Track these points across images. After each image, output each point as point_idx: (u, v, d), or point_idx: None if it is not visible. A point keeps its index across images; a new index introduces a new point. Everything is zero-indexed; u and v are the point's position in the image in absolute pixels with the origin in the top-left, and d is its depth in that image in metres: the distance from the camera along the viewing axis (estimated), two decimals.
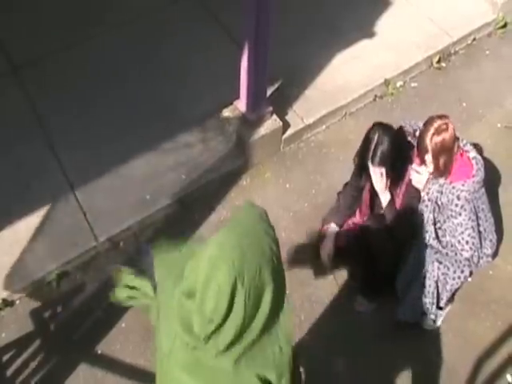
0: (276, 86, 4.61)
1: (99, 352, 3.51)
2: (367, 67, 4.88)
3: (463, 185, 3.13)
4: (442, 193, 3.20)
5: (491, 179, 4.31)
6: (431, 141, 3.06)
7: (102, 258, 3.85)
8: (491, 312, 3.72)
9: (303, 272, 3.85)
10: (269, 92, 4.33)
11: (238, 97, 4.23)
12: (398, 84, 4.93)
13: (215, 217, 4.08)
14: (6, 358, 3.45)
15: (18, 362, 3.43)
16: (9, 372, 3.39)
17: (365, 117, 4.70)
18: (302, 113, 4.56)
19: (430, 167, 3.18)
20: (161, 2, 5.23)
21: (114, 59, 4.79)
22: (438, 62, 5.11)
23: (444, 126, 3.05)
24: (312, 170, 4.39)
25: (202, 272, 1.56)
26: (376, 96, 4.85)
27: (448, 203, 3.18)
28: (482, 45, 5.35)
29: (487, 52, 5.30)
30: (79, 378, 3.40)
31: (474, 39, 5.35)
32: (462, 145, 3.25)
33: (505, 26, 5.43)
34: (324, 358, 3.50)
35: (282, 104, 4.53)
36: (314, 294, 3.76)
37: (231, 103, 4.32)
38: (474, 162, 3.18)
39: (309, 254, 3.90)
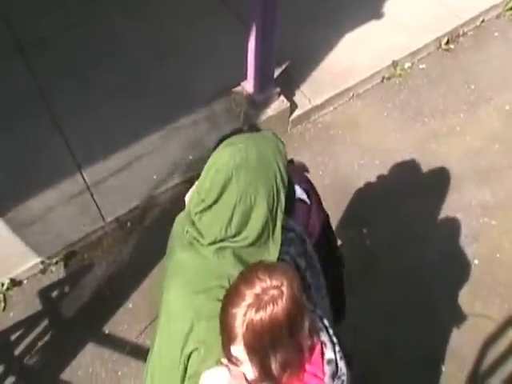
0: (283, 66, 4.57)
1: (106, 332, 3.52)
2: (375, 48, 4.83)
3: None
4: None
5: (500, 163, 4.31)
6: (243, 322, 1.50)
7: (110, 238, 3.84)
8: (498, 295, 3.73)
9: None
10: (276, 73, 4.30)
11: (245, 78, 4.20)
12: (406, 65, 4.89)
13: None
14: (13, 337, 3.46)
15: (26, 341, 3.45)
16: (17, 351, 3.40)
17: (372, 98, 4.68)
18: (309, 94, 4.53)
19: (249, 372, 1.60)
20: None
21: (121, 39, 4.75)
22: (447, 43, 5.06)
23: (272, 294, 1.49)
24: (319, 151, 4.36)
25: (211, 159, 1.71)
26: (384, 77, 4.81)
27: None
28: (490, 26, 5.31)
29: (496, 34, 5.25)
30: (86, 358, 3.41)
31: (483, 21, 5.29)
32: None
33: None
34: None
35: (289, 85, 4.50)
36: None
37: (239, 84, 4.30)
38: (326, 364, 1.66)
39: None
